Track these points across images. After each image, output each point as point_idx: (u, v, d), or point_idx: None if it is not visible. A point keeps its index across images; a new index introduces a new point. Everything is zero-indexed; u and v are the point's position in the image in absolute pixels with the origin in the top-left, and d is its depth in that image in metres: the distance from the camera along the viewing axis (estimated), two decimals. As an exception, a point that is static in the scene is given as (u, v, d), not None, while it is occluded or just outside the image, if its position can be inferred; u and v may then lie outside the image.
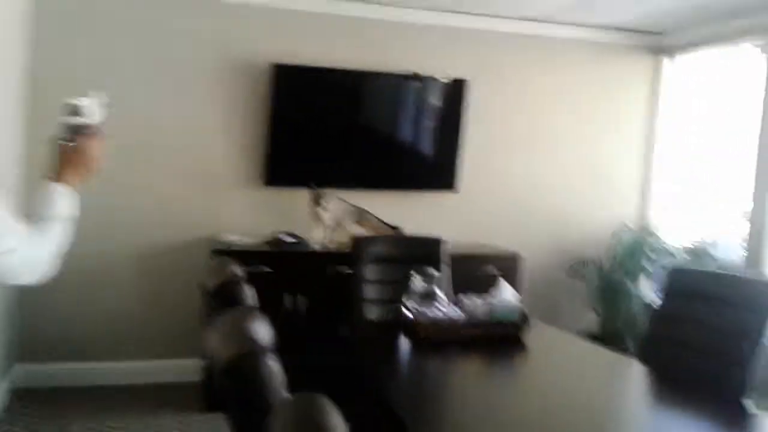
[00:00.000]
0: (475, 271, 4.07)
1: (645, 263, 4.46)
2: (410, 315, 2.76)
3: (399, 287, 2.95)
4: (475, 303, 2.85)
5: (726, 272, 3.23)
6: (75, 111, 1.61)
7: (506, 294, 2.79)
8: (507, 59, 4.69)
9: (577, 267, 4.65)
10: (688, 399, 2.18)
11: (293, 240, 4.16)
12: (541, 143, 4.81)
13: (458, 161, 4.56)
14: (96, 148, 1.63)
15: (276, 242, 4.15)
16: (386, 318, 3.11)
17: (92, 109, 1.64)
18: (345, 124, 4.43)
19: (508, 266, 4.30)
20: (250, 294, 2.09)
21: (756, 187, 4.04)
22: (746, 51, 4.37)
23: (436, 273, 2.88)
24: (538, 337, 2.80)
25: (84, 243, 2.04)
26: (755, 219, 4.02)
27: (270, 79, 4.18)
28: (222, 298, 2.04)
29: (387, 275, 3.35)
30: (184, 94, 4.17)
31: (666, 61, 4.93)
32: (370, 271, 3.37)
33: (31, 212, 1.53)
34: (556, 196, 4.84)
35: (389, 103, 4.50)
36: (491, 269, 4.11)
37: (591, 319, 4.60)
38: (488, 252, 4.42)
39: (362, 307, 3.28)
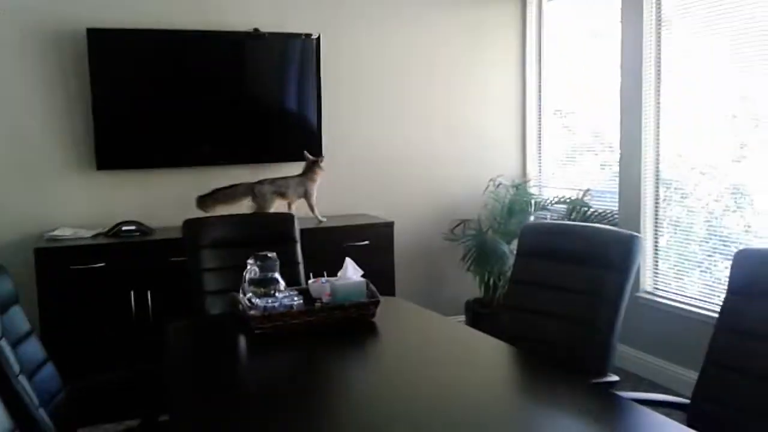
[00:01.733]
0: (347, 244, 3.77)
1: (522, 219, 4.26)
2: (243, 307, 2.40)
3: (234, 275, 2.58)
4: (320, 286, 2.53)
5: (581, 224, 3.02)
6: None
7: (350, 273, 2.46)
8: (360, 11, 4.31)
9: (456, 230, 4.41)
10: (545, 377, 1.93)
11: (135, 229, 3.70)
12: (406, 102, 4.49)
13: (321, 127, 4.19)
14: None
15: (118, 233, 3.68)
16: (226, 312, 2.73)
17: None
18: (184, 93, 3.93)
19: (382, 235, 4.03)
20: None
21: (621, 134, 3.88)
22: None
23: (272, 256, 2.52)
24: (391, 315, 2.51)
25: None
26: (624, 165, 3.87)
27: (87, 47, 3.64)
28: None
29: (230, 261, 2.96)
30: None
31: (532, 6, 4.69)
32: (209, 258, 2.97)
33: None
34: (428, 158, 4.56)
35: (231, 66, 4.03)
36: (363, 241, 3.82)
37: (474, 283, 4.38)
38: (360, 222, 4.11)
39: (204, 301, 2.89)
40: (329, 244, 3.75)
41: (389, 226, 4.04)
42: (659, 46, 3.66)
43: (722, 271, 3.42)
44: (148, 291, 3.53)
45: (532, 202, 4.40)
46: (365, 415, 1.72)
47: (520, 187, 4.50)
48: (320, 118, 4.17)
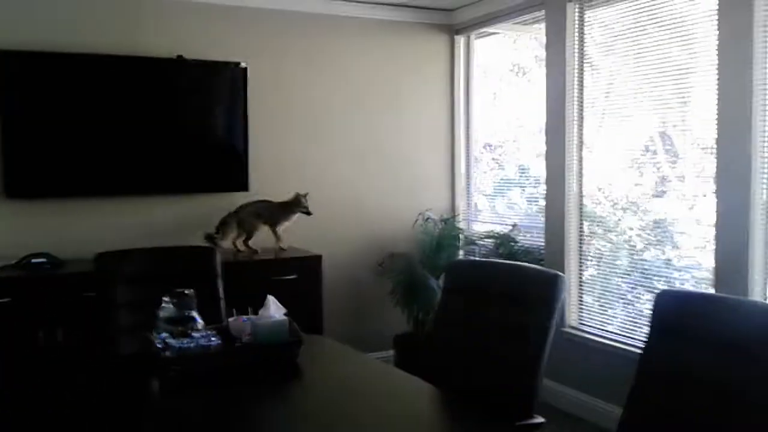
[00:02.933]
0: (274, 278, 3.65)
1: (450, 254, 4.25)
2: (157, 347, 2.26)
3: (147, 313, 2.43)
4: (241, 324, 2.41)
5: (506, 262, 3.02)
6: None
7: (272, 310, 2.36)
8: (288, 41, 4.26)
9: (386, 264, 4.36)
10: (468, 421, 1.88)
11: (45, 261, 3.48)
12: (335, 134, 4.44)
13: (248, 158, 4.08)
14: None
15: (26, 266, 3.46)
16: (137, 352, 2.58)
17: None
18: (101, 120, 3.75)
19: (309, 269, 3.94)
20: None
21: (547, 170, 3.94)
22: (535, 28, 4.28)
23: (189, 293, 2.40)
24: (316, 355, 2.42)
25: None
26: (549, 200, 3.93)
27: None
28: None
29: (146, 297, 2.80)
30: None
31: (460, 39, 4.76)
32: (124, 294, 2.81)
33: None
34: (358, 190, 4.51)
35: (153, 94, 3.88)
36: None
37: (403, 318, 4.32)
38: (287, 255, 4.00)
39: (115, 340, 2.73)
40: (255, 278, 3.62)
41: (317, 259, 3.95)
42: (582, 83, 3.75)
43: (644, 304, 3.48)
44: (58, 328, 3.31)
45: (461, 236, 4.40)
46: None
47: (449, 221, 4.50)
48: (247, 149, 4.07)
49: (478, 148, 4.79)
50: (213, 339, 2.27)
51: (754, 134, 2.85)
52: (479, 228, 4.59)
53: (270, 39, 4.20)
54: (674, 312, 1.72)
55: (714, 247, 3.04)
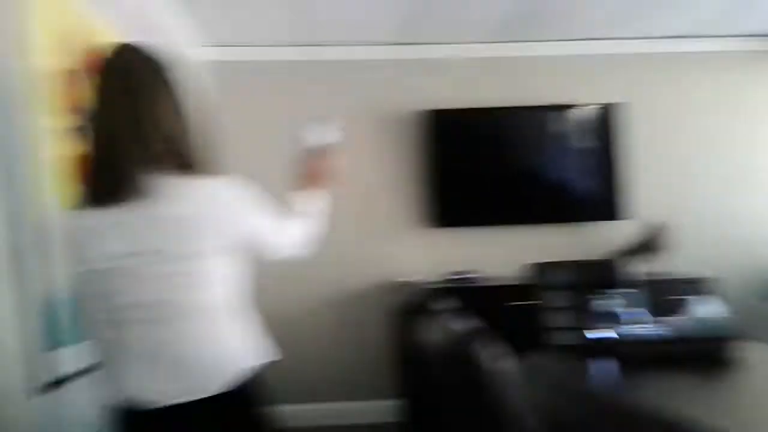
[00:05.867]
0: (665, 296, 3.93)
1: None
2: (608, 336, 2.72)
3: (577, 312, 2.96)
4: (681, 319, 2.77)
5: None
6: (315, 134, 2.00)
7: (715, 310, 2.68)
8: (652, 79, 4.63)
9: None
10: None
11: (464, 277, 4.25)
12: (703, 161, 4.67)
13: (618, 188, 4.49)
14: (335, 162, 2.01)
15: (454, 281, 4.25)
16: (570, 343, 3.10)
17: (329, 132, 2.00)
18: (501, 161, 4.54)
19: (696, 290, 4.09)
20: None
21: None
22: None
23: (618, 293, 2.85)
24: (749, 353, 2.65)
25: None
26: None
27: (428, 125, 4.42)
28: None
29: (569, 301, 3.34)
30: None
31: None
32: (552, 298, 3.37)
33: (294, 211, 1.92)
34: (732, 215, 4.59)
35: (543, 137, 4.55)
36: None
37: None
38: (674, 278, 4.20)
39: (549, 335, 3.28)
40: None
41: (710, 281, 4.10)
42: None
43: None
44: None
45: None
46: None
47: None
48: (618, 180, 4.51)
49: None
50: (663, 329, 2.66)
51: None
52: None
53: (641, 80, 4.63)
54: None
55: None
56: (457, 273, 4.27)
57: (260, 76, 4.42)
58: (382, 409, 4.29)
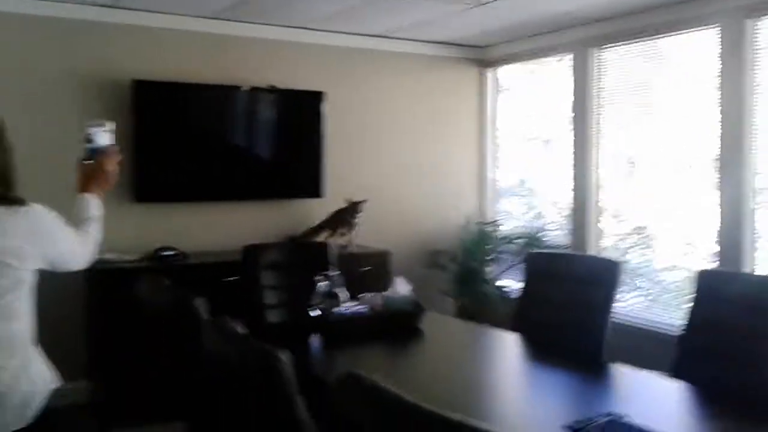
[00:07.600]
0: (356, 270, 4.46)
1: (489, 250, 5.15)
2: (318, 314, 3.08)
3: (295, 291, 3.28)
4: (374, 298, 3.25)
5: (575, 253, 3.92)
6: (90, 138, 2.04)
7: (401, 288, 3.21)
8: (356, 72, 5.16)
9: (434, 258, 5.24)
10: (556, 359, 2.75)
11: (173, 254, 4.27)
12: (391, 149, 5.34)
13: (323, 169, 4.92)
14: (110, 165, 2.06)
15: (157, 258, 4.22)
16: (287, 320, 3.42)
17: (103, 135, 2.04)
18: (208, 138, 4.62)
19: (381, 263, 4.73)
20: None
21: (575, 179, 4.87)
22: (554, 63, 5.21)
23: (336, 274, 3.23)
24: (431, 323, 3.26)
25: None
26: (576, 205, 4.85)
27: (132, 96, 4.26)
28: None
29: (282, 281, 3.64)
30: (39, 110, 4.14)
31: (489, 72, 5.69)
32: (265, 278, 3.63)
33: (73, 217, 1.97)
34: (409, 197, 5.38)
35: (250, 116, 4.75)
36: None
37: (449, 303, 5.19)
38: (363, 252, 4.79)
39: (263, 312, 3.55)
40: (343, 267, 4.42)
41: (386, 255, 4.77)
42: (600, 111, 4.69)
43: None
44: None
45: (497, 236, 5.29)
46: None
47: (486, 225, 5.39)
48: (323, 163, 4.93)
49: (506, 158, 5.70)
50: (361, 307, 3.11)
51: None
52: (508, 228, 5.48)
53: (340, 71, 5.08)
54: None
55: None
56: (161, 249, 4.25)
57: None
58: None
